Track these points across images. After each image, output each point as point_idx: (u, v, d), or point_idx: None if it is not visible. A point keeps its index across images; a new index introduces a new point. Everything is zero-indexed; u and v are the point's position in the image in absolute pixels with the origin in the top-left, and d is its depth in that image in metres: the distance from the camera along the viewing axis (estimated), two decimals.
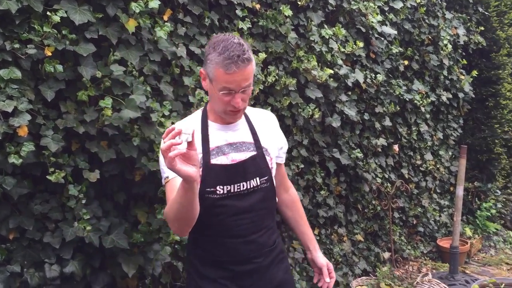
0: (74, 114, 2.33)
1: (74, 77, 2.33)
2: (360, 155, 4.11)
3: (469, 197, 5.73)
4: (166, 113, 2.51)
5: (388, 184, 4.68)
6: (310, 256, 2.21)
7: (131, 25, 2.38)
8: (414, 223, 5.18)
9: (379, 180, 4.51)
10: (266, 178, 1.94)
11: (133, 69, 2.44)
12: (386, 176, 4.68)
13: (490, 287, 3.53)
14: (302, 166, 3.60)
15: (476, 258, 5.33)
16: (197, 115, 1.97)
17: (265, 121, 2.04)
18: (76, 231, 2.31)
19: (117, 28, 2.40)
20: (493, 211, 5.61)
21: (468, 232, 5.37)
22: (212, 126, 1.91)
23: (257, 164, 1.92)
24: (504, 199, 5.79)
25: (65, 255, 2.37)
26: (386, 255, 4.69)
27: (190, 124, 1.83)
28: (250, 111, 2.04)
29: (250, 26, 3.14)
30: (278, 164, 2.08)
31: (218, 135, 1.90)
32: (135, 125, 2.47)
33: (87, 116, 2.33)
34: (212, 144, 1.88)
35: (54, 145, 2.22)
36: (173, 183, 1.79)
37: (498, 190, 5.69)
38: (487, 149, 5.58)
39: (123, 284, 2.70)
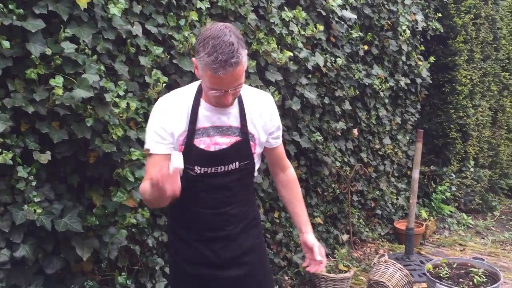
0: (23, 93, 2.23)
1: (22, 54, 2.23)
2: (320, 138, 4.14)
3: (425, 180, 5.88)
4: (121, 93, 2.45)
5: (348, 168, 4.75)
6: (302, 238, 2.20)
7: (83, 1, 2.30)
8: (372, 206, 5.28)
9: (338, 164, 4.56)
10: (246, 162, 2.00)
11: (86, 47, 2.36)
12: (346, 159, 4.75)
13: (443, 267, 3.64)
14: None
15: (431, 240, 5.50)
16: (191, 89, 1.96)
17: (259, 104, 2.02)
18: (27, 214, 2.24)
19: (68, 4, 2.30)
20: (448, 194, 5.78)
21: (424, 214, 5.52)
22: (203, 106, 1.92)
23: (239, 150, 1.96)
24: (458, 183, 5.97)
25: (16, 239, 2.29)
26: (345, 237, 4.77)
27: (184, 98, 1.90)
28: (246, 92, 2.01)
29: (209, 6, 3.08)
30: (272, 147, 2.12)
31: (207, 116, 1.92)
32: (88, 105, 2.40)
33: (36, 95, 2.24)
34: (199, 125, 1.91)
35: (1, 125, 2.13)
36: (155, 159, 1.86)
37: (452, 174, 5.86)
38: (443, 134, 5.73)
39: (78, 268, 2.64)
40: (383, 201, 5.35)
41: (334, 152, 4.50)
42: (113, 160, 2.53)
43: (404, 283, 3.93)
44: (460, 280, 3.50)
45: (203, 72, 1.77)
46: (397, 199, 5.53)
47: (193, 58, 1.84)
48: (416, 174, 4.64)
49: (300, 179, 4.34)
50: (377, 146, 5.15)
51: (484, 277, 3.46)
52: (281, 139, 2.16)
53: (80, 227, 2.41)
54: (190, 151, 1.90)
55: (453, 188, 5.89)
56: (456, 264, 3.72)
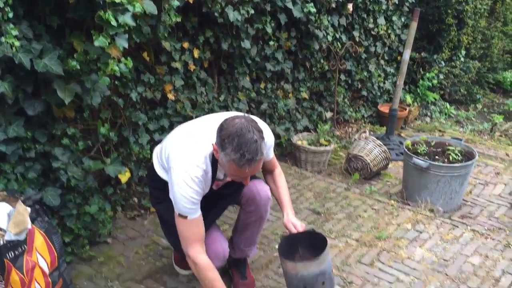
0: None
1: None
2: (313, 10, 3.97)
3: (414, 67, 5.83)
4: None
5: (338, 44, 4.64)
6: (284, 220, 2.39)
7: None
8: (359, 87, 5.27)
9: (329, 39, 4.44)
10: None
11: None
12: (337, 36, 4.62)
13: (421, 144, 3.72)
14: (252, 12, 3.45)
15: (412, 125, 5.59)
16: (206, 156, 2.07)
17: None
18: (4, 50, 2.14)
19: None
20: (435, 82, 5.77)
21: (409, 99, 5.55)
22: (220, 169, 2.16)
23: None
24: (446, 71, 5.93)
25: None
26: (328, 114, 4.81)
27: (207, 167, 2.08)
28: None
29: None
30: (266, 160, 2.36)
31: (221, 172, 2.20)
32: None
33: None
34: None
35: None
36: (195, 222, 2.10)
37: (442, 62, 5.81)
38: (439, 19, 5.57)
39: (60, 114, 2.62)
40: (370, 83, 5.33)
41: (326, 27, 4.36)
42: (94, 1, 2.38)
43: (382, 158, 4.05)
44: (437, 157, 3.60)
45: (227, 164, 1.93)
46: (384, 82, 5.51)
47: (214, 144, 1.98)
48: (406, 55, 4.57)
49: (289, 51, 4.25)
50: (371, 26, 5.00)
51: (460, 155, 3.56)
52: (272, 150, 2.38)
53: (60, 70, 2.33)
54: None
55: (441, 77, 5.87)
56: (434, 142, 3.80)
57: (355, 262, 2.89)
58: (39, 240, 2.34)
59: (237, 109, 3.81)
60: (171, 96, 3.24)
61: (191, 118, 3.36)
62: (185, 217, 2.06)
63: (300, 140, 4.29)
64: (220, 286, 2.14)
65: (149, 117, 3.19)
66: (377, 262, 2.90)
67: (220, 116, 2.19)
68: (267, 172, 2.49)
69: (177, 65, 3.22)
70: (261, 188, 2.38)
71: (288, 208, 2.42)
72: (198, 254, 2.11)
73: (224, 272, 2.71)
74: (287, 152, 4.44)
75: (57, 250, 2.41)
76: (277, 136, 4.30)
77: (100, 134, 2.81)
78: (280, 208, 2.46)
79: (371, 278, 2.75)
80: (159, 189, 2.30)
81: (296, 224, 2.36)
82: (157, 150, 2.36)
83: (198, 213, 2.09)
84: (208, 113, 3.52)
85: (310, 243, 2.37)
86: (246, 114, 1.99)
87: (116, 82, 2.91)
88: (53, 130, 2.60)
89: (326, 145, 4.20)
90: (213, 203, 2.27)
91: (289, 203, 2.46)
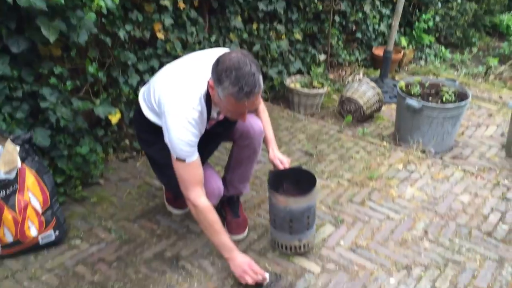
0: None
1: None
2: None
3: (410, 8, 5.70)
4: None
5: None
6: (270, 156, 2.44)
7: None
8: (354, 29, 5.16)
9: None
10: None
11: None
12: None
13: (415, 85, 3.69)
14: None
15: (406, 68, 5.54)
16: (200, 96, 2.01)
17: None
18: None
19: None
20: (431, 24, 5.66)
21: (403, 42, 5.47)
22: (214, 108, 2.11)
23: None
24: (443, 13, 5.81)
25: None
26: (322, 57, 4.73)
27: (202, 109, 2.02)
28: None
29: None
30: None
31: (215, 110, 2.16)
32: None
33: None
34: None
35: None
36: (194, 165, 2.07)
37: (439, 3, 5.67)
38: None
39: (46, 52, 2.55)
40: (364, 25, 5.21)
41: None
42: None
43: (375, 101, 4.02)
44: (430, 98, 3.57)
45: (225, 98, 1.89)
46: (379, 24, 5.40)
47: (210, 80, 1.93)
48: None
49: None
50: None
51: (453, 96, 3.54)
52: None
53: (43, 5, 2.23)
54: None
55: (437, 19, 5.76)
56: (428, 83, 3.76)
57: (346, 201, 2.92)
58: (30, 179, 2.34)
59: None
60: (160, 36, 3.15)
61: None
62: (184, 161, 2.04)
63: (293, 82, 4.24)
64: (220, 228, 2.16)
65: (138, 58, 3.12)
66: (368, 201, 2.93)
67: (208, 53, 2.13)
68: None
69: (165, 3, 3.12)
70: (254, 122, 2.36)
71: (273, 144, 2.46)
72: (198, 197, 2.11)
73: (217, 211, 2.74)
74: (280, 95, 4.40)
75: (49, 190, 2.41)
76: (269, 78, 4.25)
77: (89, 73, 2.75)
78: (265, 144, 2.47)
79: (362, 217, 2.79)
80: (148, 132, 2.27)
81: (282, 160, 2.40)
82: (143, 92, 2.29)
83: (196, 155, 2.08)
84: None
85: (296, 179, 2.46)
86: (244, 51, 1.93)
87: (103, 20, 2.82)
88: (39, 69, 2.54)
89: (319, 88, 4.16)
90: (205, 142, 2.25)
91: (274, 139, 2.49)
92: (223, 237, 2.17)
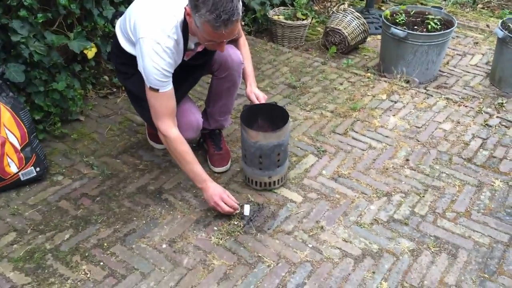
0: None
1: None
2: None
3: None
4: None
5: None
6: (247, 91, 2.39)
7: None
8: None
9: None
10: None
11: None
12: None
13: (400, 14, 3.60)
14: None
15: None
16: (177, 24, 1.94)
17: None
18: None
19: None
20: None
21: None
22: (191, 38, 2.04)
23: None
24: None
25: None
26: None
27: (178, 37, 1.96)
28: None
29: None
30: None
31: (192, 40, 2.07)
32: None
33: None
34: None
35: None
36: (167, 95, 2.03)
37: None
38: None
39: None
40: None
41: None
42: None
43: (360, 31, 3.93)
44: (415, 27, 3.50)
45: (202, 26, 1.82)
46: None
47: (187, 6, 1.85)
48: None
49: None
50: None
51: (439, 24, 3.46)
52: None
53: None
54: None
55: None
56: (414, 12, 3.68)
57: (329, 132, 2.92)
58: (6, 115, 2.29)
59: None
60: None
61: None
62: (157, 90, 2.00)
63: (277, 15, 4.12)
64: (191, 159, 2.16)
65: None
66: (350, 131, 2.93)
67: None
68: (232, 41, 2.33)
69: None
70: (232, 52, 2.31)
71: (252, 79, 2.41)
72: (168, 128, 2.09)
73: (199, 145, 2.73)
74: (263, 28, 4.29)
75: (26, 126, 2.37)
76: (252, 11, 4.12)
77: (60, 5, 2.64)
78: (243, 79, 2.43)
79: (344, 147, 2.80)
80: (126, 64, 2.21)
81: (258, 95, 2.37)
82: (119, 22, 2.21)
83: (170, 86, 2.03)
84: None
85: (271, 116, 2.44)
86: None
87: None
88: (7, 0, 2.42)
89: (303, 20, 4.05)
90: (184, 76, 2.20)
91: (252, 74, 2.44)
92: (195, 168, 2.18)
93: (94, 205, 2.35)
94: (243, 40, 2.45)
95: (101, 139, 2.81)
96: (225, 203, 2.20)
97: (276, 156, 2.33)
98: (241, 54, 2.38)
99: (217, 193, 2.21)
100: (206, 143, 2.67)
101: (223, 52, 2.11)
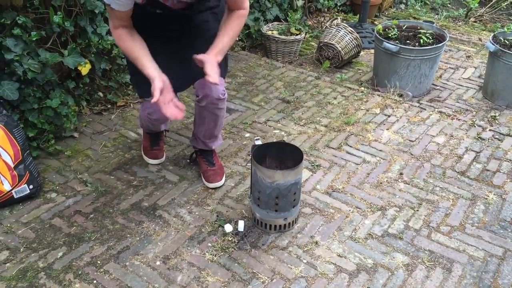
0: None
1: None
2: None
3: None
4: None
5: None
6: (204, 56, 2.03)
7: None
8: None
9: None
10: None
11: None
12: None
13: (393, 28, 3.63)
14: None
15: (386, 13, 5.44)
16: None
17: None
18: None
19: None
20: None
21: None
22: None
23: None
24: None
25: None
26: (300, 3, 4.62)
27: None
28: None
29: None
30: None
31: None
32: None
33: None
34: None
35: None
36: (115, 13, 1.94)
37: None
38: None
39: (6, 1, 2.44)
40: None
41: None
42: None
43: (353, 46, 3.97)
44: (408, 41, 3.53)
45: None
46: None
47: None
48: None
49: None
50: None
51: (431, 38, 3.50)
52: None
53: None
54: None
55: None
56: (406, 26, 3.71)
57: (323, 146, 2.93)
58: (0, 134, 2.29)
59: None
60: None
61: None
62: (109, 5, 1.91)
63: (271, 30, 4.15)
64: (138, 56, 2.03)
65: (105, 4, 3.00)
66: (344, 145, 2.94)
67: None
68: (230, 10, 2.15)
69: None
70: (214, 87, 2.24)
71: (217, 51, 2.09)
72: (114, 27, 2.01)
73: (193, 161, 2.73)
74: (257, 43, 4.32)
75: (20, 144, 2.37)
76: (246, 26, 4.15)
77: (54, 23, 2.66)
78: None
79: (338, 161, 2.80)
80: None
81: (210, 73, 1.99)
82: None
83: (124, 8, 1.91)
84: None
85: (279, 154, 2.34)
86: None
87: None
88: (1, 19, 2.44)
89: (297, 35, 4.08)
90: (172, 57, 2.15)
91: (222, 48, 2.11)
92: (142, 64, 2.02)
93: (87, 222, 2.34)
94: (241, 15, 2.15)
95: (95, 155, 2.81)
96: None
97: (293, 196, 2.21)
98: (227, 24, 2.14)
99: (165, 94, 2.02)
100: (199, 159, 2.67)
101: (207, 75, 1.96)
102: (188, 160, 2.74)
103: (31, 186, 2.42)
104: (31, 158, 2.47)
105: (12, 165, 2.33)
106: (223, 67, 2.30)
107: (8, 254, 2.15)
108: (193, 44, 2.19)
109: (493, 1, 5.53)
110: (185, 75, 2.26)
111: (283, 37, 4.01)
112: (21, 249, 2.18)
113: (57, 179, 2.62)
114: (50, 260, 2.12)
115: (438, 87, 3.70)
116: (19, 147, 2.36)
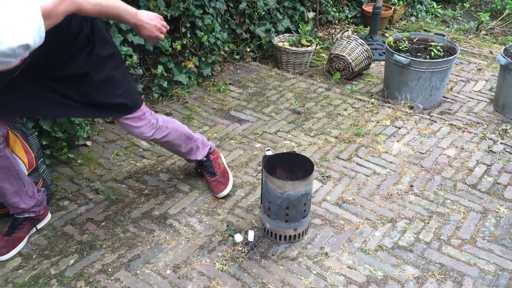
0: None
1: None
2: None
3: None
4: None
5: None
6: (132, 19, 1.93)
7: None
8: None
9: None
10: None
11: None
12: None
13: (404, 41, 3.65)
14: None
15: (397, 25, 5.46)
16: None
17: None
18: None
19: None
20: None
21: None
22: None
23: None
24: None
25: None
26: (311, 14, 4.66)
27: None
28: None
29: None
30: None
31: None
32: None
33: None
34: None
35: None
36: None
37: None
38: None
39: None
40: None
41: None
42: None
43: (363, 58, 3.98)
44: (418, 54, 3.54)
45: None
46: None
47: None
48: None
49: None
50: None
51: (442, 51, 3.50)
52: None
53: None
54: None
55: None
56: (417, 39, 3.72)
57: (333, 157, 2.94)
58: (15, 141, 2.32)
59: (214, 8, 3.67)
60: None
61: (165, 17, 3.24)
62: None
63: (282, 41, 4.19)
64: None
65: None
66: (355, 157, 2.94)
67: None
68: None
69: None
70: (134, 131, 2.23)
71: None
72: None
73: (198, 175, 2.75)
74: (268, 54, 4.35)
75: (34, 151, 2.40)
76: (257, 37, 4.19)
77: None
78: None
79: (349, 172, 2.81)
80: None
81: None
82: None
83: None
84: (183, 12, 3.39)
85: (289, 165, 2.35)
86: None
87: None
88: None
89: (307, 46, 4.11)
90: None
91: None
92: (117, 3, 1.83)
93: (99, 230, 2.36)
94: None
95: (107, 164, 2.84)
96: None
97: (303, 206, 2.22)
98: None
99: (153, 16, 1.97)
100: (202, 172, 2.68)
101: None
102: (196, 173, 2.77)
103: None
104: (44, 166, 2.50)
105: (26, 173, 2.37)
106: (122, 101, 2.11)
107: (21, 260, 2.18)
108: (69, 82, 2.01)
109: (504, 14, 5.53)
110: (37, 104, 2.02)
111: (294, 48, 4.03)
112: (34, 256, 2.20)
113: (70, 187, 2.65)
114: (62, 267, 2.14)
115: (449, 100, 3.70)
116: (33, 155, 2.39)
